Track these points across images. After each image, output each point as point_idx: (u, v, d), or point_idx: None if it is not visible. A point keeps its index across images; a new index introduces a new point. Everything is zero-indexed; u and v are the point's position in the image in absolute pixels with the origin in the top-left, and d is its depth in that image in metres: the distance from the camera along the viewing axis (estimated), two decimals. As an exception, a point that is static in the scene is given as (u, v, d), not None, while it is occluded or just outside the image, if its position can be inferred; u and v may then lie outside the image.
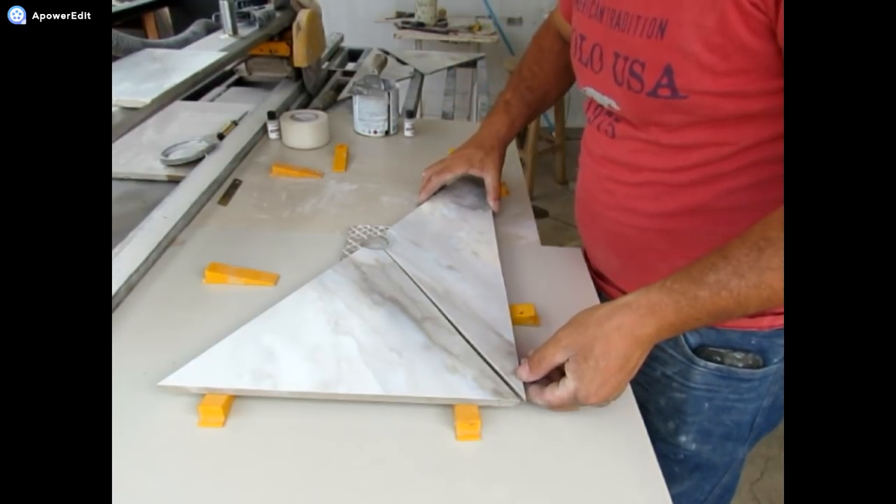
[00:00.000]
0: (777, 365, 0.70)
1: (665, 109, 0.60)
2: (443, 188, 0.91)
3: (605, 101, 0.68)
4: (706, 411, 0.73)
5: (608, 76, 0.64)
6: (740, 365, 0.70)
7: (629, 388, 0.59)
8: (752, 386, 0.71)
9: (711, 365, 0.70)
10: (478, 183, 0.93)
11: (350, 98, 1.27)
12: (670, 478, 0.80)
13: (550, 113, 3.08)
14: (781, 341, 0.69)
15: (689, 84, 0.56)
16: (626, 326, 0.51)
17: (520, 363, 0.58)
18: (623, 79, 0.62)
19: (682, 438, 0.76)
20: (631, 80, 0.61)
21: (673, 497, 0.49)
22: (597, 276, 0.81)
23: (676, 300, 0.51)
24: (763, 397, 0.72)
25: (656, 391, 0.75)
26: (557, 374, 0.54)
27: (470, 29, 3.11)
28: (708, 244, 0.65)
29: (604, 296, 0.80)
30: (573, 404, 0.53)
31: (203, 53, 0.92)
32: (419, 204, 0.87)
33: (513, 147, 0.99)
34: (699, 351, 0.70)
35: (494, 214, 0.87)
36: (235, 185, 0.94)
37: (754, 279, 0.48)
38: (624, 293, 0.76)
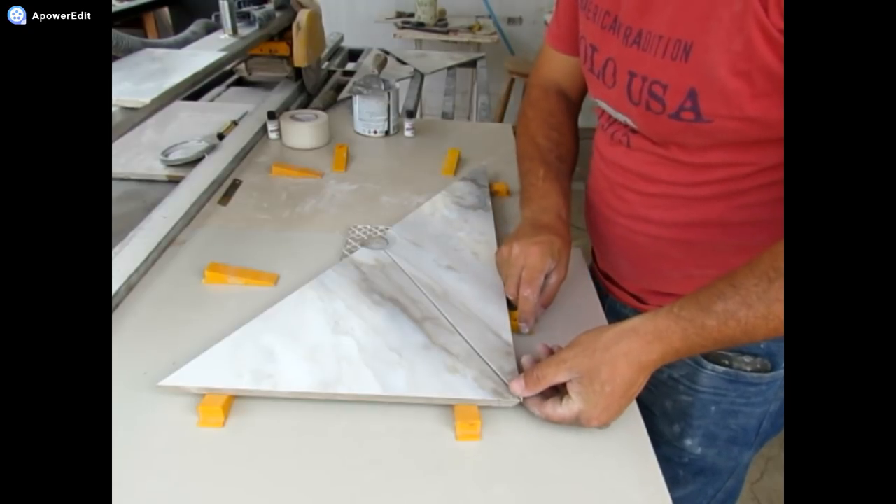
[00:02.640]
0: None
1: (687, 132, 0.59)
2: (443, 189, 0.91)
3: (621, 117, 0.66)
4: (712, 415, 0.73)
5: (622, 94, 0.63)
6: (748, 369, 0.69)
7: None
8: (760, 390, 0.70)
9: (719, 368, 0.70)
10: (478, 184, 0.93)
11: (350, 98, 1.27)
12: (674, 481, 0.79)
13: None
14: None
15: (715, 108, 0.55)
16: (633, 353, 0.51)
17: (518, 365, 0.58)
18: (641, 99, 0.60)
19: (688, 442, 0.75)
20: (651, 102, 0.59)
21: (676, 500, 0.48)
22: (604, 278, 0.81)
23: (684, 328, 0.50)
24: (770, 402, 0.72)
25: (662, 394, 0.75)
26: (553, 389, 0.54)
27: (470, 29, 3.11)
28: (722, 255, 0.64)
29: (610, 297, 0.80)
30: (572, 424, 0.53)
31: (203, 53, 0.92)
32: (530, 332, 0.66)
33: (513, 147, 0.99)
34: (707, 354, 0.69)
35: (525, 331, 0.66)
36: (235, 185, 0.94)
37: (762, 310, 0.47)
38: (634, 297, 0.76)
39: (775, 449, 1.65)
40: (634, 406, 0.57)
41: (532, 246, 0.65)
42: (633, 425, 0.55)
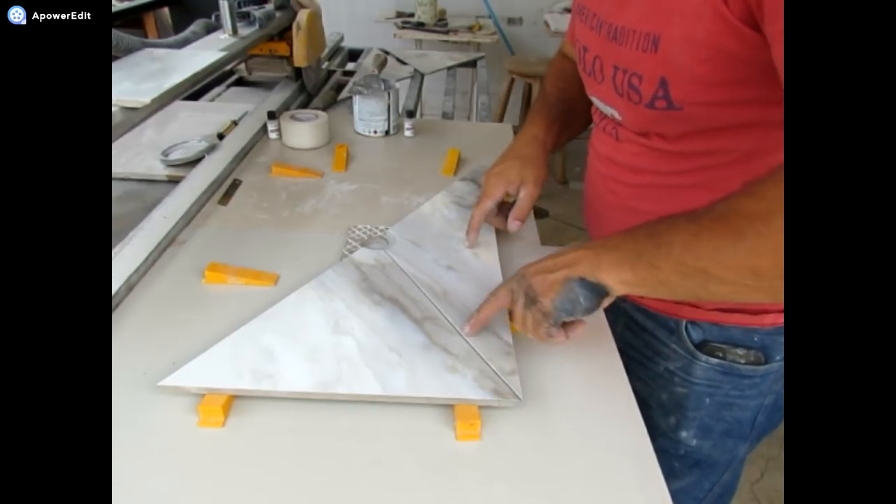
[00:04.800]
0: (779, 363, 0.70)
1: (662, 120, 0.62)
2: (443, 189, 0.91)
3: (609, 111, 0.69)
4: (707, 407, 0.74)
5: (609, 88, 0.66)
6: (742, 361, 0.70)
7: (629, 386, 0.59)
8: (754, 383, 0.72)
9: (713, 360, 0.71)
10: (478, 184, 0.93)
11: (350, 98, 1.27)
12: (670, 473, 0.80)
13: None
14: (783, 339, 0.69)
15: (684, 96, 0.58)
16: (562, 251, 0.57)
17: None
18: (623, 90, 0.63)
19: (683, 434, 0.77)
20: (630, 93, 0.62)
21: (672, 493, 0.49)
22: None
23: (632, 233, 0.54)
24: (765, 395, 0.73)
25: (658, 386, 0.77)
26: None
27: (470, 29, 3.12)
28: None
29: None
30: (523, 308, 0.57)
31: (203, 53, 0.92)
32: (469, 246, 0.77)
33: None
34: (701, 346, 0.71)
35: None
36: (235, 185, 0.94)
37: (694, 228, 0.51)
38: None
39: (775, 449, 1.65)
40: (634, 405, 0.57)
41: (489, 177, 0.77)
42: (633, 425, 0.56)
